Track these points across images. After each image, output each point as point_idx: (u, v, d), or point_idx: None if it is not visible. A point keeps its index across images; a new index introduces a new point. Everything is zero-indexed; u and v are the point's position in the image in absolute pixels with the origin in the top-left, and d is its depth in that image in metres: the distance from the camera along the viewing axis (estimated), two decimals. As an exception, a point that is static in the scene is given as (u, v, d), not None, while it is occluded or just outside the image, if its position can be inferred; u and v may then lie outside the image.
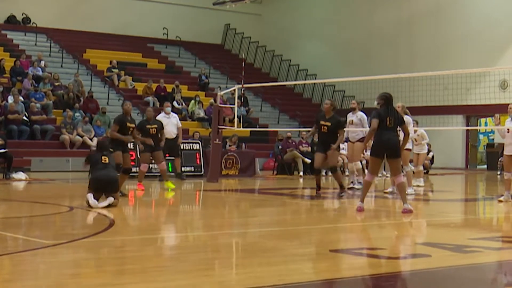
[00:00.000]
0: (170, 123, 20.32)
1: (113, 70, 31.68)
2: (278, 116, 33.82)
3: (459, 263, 7.77)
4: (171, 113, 20.99)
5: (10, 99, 25.27)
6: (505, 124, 15.45)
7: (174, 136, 20.42)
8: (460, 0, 33.36)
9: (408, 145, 16.56)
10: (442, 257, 8.07)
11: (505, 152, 14.98)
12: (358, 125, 17.99)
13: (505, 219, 13.07)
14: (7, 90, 26.41)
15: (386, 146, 12.32)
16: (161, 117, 19.98)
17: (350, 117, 18.29)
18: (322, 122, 15.46)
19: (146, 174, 22.02)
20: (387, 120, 12.33)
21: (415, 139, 18.47)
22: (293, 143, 26.64)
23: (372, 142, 12.64)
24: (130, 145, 18.63)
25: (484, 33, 31.88)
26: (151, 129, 16.63)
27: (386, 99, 12.54)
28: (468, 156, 33.56)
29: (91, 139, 25.20)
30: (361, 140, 17.85)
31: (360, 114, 18.16)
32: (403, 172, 18.30)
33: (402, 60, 34.04)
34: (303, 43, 39.01)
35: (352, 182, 18.47)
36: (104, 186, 12.57)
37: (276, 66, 39.07)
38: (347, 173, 21.22)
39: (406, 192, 15.39)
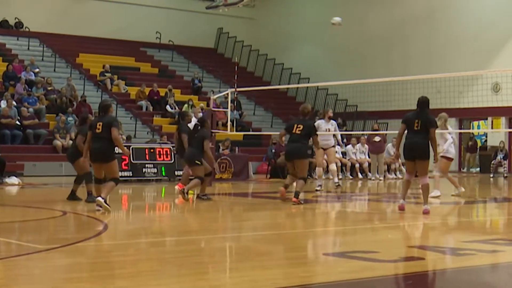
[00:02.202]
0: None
1: (106, 74, 31.65)
2: (271, 119, 33.84)
3: (453, 266, 7.78)
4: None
5: (3, 104, 25.23)
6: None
7: None
8: (453, 3, 33.46)
9: (448, 154, 16.84)
10: (436, 260, 8.09)
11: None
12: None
13: (498, 222, 13.10)
14: (0, 94, 26.36)
15: (411, 148, 12.79)
16: (195, 121, 20.44)
17: (326, 125, 19.17)
18: None
19: (140, 178, 22.08)
20: (415, 123, 12.80)
21: None
22: (287, 146, 26.62)
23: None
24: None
25: (477, 36, 31.98)
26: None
27: (418, 103, 13.09)
28: (461, 159, 33.62)
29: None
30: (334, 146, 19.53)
31: (332, 122, 19.26)
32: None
33: (395, 64, 34.07)
34: (296, 46, 39.04)
35: (319, 185, 19.02)
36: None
37: (269, 69, 39.09)
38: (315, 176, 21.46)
39: (434, 195, 16.13)
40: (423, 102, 13.05)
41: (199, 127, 15.74)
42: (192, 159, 15.38)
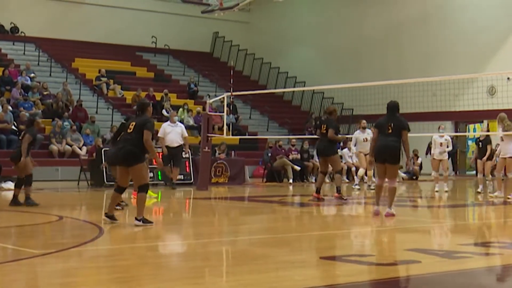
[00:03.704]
0: (174, 132, 20.61)
1: (102, 78, 31.64)
2: (267, 123, 33.85)
3: (449, 269, 7.79)
4: (178, 122, 21.32)
5: (-1, 109, 25.22)
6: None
7: (177, 145, 20.54)
8: (448, 6, 33.51)
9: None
10: (432, 263, 8.09)
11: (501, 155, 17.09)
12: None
13: (494, 225, 13.12)
14: (-4, 99, 26.33)
15: (381, 151, 12.73)
16: (165, 125, 20.51)
17: (363, 135, 21.21)
18: None
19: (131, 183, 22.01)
20: (388, 126, 12.75)
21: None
22: (283, 150, 26.66)
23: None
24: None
25: (472, 39, 32.02)
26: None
27: (388, 107, 13.07)
28: (457, 162, 33.64)
29: (80, 148, 25.15)
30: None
31: (368, 131, 20.67)
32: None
33: (391, 67, 34.12)
34: (291, 50, 39.08)
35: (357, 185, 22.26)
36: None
37: (265, 73, 39.09)
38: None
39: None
40: (394, 106, 12.98)
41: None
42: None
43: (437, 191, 19.84)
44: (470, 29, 32.18)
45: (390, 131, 12.70)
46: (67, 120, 26.57)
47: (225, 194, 20.63)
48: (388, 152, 12.66)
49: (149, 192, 16.50)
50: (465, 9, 32.87)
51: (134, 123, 11.36)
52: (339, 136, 17.15)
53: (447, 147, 20.26)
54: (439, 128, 21.14)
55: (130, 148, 11.23)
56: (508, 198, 17.13)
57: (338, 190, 16.61)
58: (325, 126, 16.33)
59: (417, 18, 34.17)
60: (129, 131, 11.35)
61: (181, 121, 30.13)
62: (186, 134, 21.05)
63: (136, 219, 11.28)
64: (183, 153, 21.32)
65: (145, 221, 11.28)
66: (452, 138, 21.55)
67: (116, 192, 11.57)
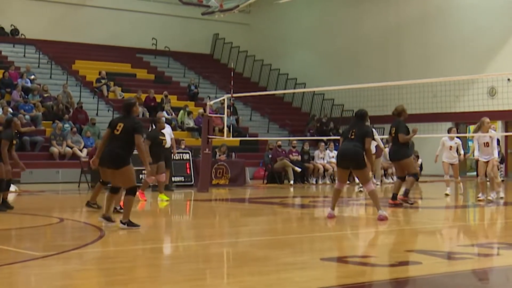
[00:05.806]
0: (166, 134, 20.29)
1: (102, 80, 31.64)
2: (267, 125, 33.85)
3: (450, 270, 7.79)
4: (165, 123, 21.02)
5: (-1, 111, 25.22)
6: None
7: (169, 146, 20.37)
8: (448, 7, 33.51)
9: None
10: (433, 264, 8.09)
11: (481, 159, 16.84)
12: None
13: (495, 226, 13.12)
14: (-4, 102, 26.33)
15: (343, 156, 12.64)
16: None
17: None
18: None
19: (137, 184, 22.00)
20: (351, 132, 12.67)
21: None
22: (283, 152, 26.65)
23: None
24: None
25: (472, 40, 32.02)
26: (163, 140, 16.80)
27: (355, 115, 13.21)
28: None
29: (80, 150, 25.16)
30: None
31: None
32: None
33: (391, 68, 34.13)
34: (292, 52, 39.08)
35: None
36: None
37: (265, 75, 39.10)
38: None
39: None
40: (360, 115, 12.89)
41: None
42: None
43: (447, 194, 19.57)
44: (470, 30, 32.18)
45: (353, 136, 12.54)
46: (68, 122, 26.57)
47: (226, 195, 20.63)
48: (350, 157, 12.44)
49: (162, 195, 16.73)
50: (465, 10, 32.87)
51: (122, 125, 11.04)
52: (408, 136, 15.71)
53: (457, 151, 19.46)
54: (449, 130, 20.16)
55: (117, 151, 11.00)
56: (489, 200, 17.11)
57: (406, 193, 15.66)
58: (394, 129, 15.63)
59: (417, 19, 34.17)
60: (116, 132, 11.06)
61: (182, 123, 30.21)
62: (173, 135, 20.83)
63: (121, 222, 11.02)
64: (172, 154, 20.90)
65: (130, 224, 11.02)
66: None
67: (112, 192, 11.47)
